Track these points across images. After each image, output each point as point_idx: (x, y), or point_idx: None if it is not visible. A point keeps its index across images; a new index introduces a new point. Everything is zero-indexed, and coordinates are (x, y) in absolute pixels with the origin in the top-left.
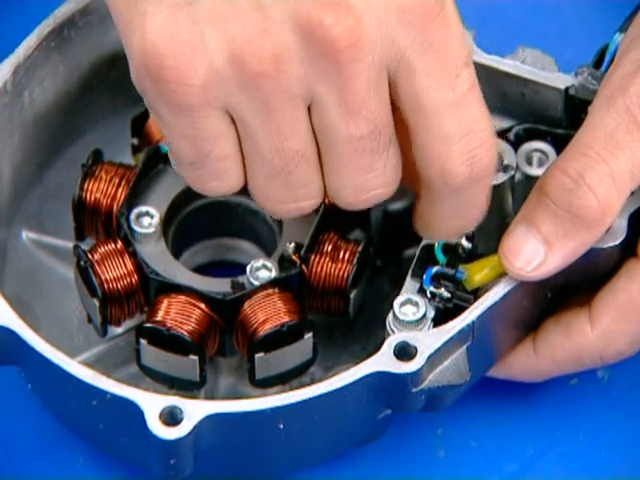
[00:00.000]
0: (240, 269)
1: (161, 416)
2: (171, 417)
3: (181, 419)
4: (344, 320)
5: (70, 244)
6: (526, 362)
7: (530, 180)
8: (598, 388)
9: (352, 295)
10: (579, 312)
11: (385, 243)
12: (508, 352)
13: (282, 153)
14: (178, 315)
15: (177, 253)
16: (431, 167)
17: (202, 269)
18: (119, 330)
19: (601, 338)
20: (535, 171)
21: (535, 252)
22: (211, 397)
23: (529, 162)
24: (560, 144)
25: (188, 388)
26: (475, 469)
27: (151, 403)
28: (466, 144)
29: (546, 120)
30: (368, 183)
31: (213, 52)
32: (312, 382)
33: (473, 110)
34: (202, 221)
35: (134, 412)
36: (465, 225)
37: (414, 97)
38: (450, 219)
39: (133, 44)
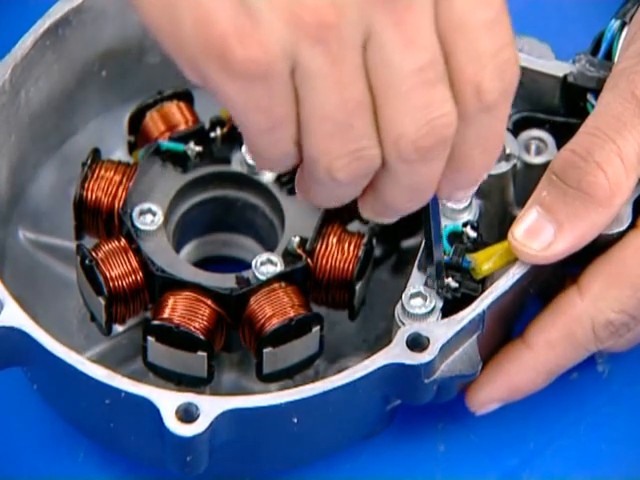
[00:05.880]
0: (238, 264)
1: (177, 413)
2: (187, 414)
3: (197, 416)
4: (348, 312)
5: (67, 243)
6: (522, 361)
7: (529, 168)
8: (598, 382)
9: (358, 287)
10: (567, 289)
11: (383, 233)
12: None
13: (345, 105)
14: (186, 312)
15: (177, 250)
16: (465, 87)
17: (200, 265)
18: (120, 328)
19: (591, 305)
20: (534, 159)
21: (546, 233)
22: (215, 393)
23: (527, 150)
24: (558, 132)
25: (195, 384)
26: (476, 463)
27: (167, 400)
28: (498, 60)
29: (544, 108)
30: (430, 116)
31: (270, 20)
32: (316, 375)
33: (505, 25)
34: (201, 217)
35: (149, 410)
36: (494, 152)
37: (454, 19)
38: (481, 145)
39: (184, 33)
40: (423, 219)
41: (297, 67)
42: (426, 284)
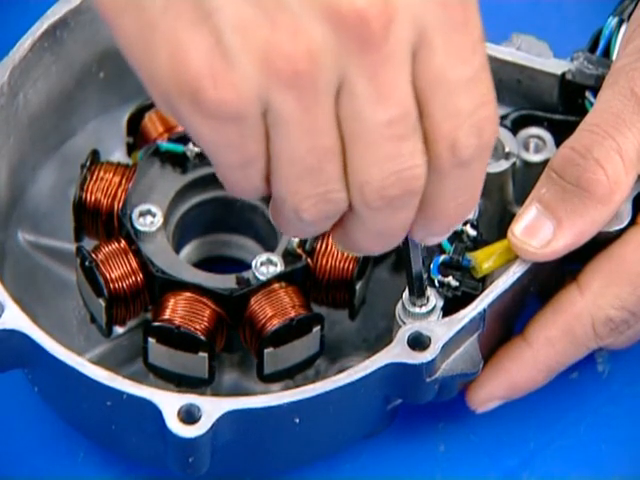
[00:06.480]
0: (238, 264)
1: (179, 414)
2: (189, 415)
3: (199, 417)
4: (349, 312)
5: (67, 245)
6: (522, 358)
7: (528, 166)
8: (598, 382)
9: (358, 286)
10: (567, 287)
11: None
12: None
13: (315, 151)
14: (186, 313)
15: (176, 250)
16: (440, 143)
17: (200, 265)
18: (120, 329)
19: (591, 302)
20: (532, 157)
21: (546, 230)
22: (216, 393)
23: (526, 148)
24: (557, 130)
25: (196, 385)
26: (476, 463)
27: (169, 402)
28: (475, 118)
29: (542, 106)
30: (397, 167)
31: (244, 64)
32: (317, 375)
33: (485, 83)
34: (201, 218)
35: (151, 411)
36: (469, 204)
37: (431, 75)
38: (456, 197)
39: (158, 68)
40: (404, 255)
41: (269, 110)
42: (414, 304)
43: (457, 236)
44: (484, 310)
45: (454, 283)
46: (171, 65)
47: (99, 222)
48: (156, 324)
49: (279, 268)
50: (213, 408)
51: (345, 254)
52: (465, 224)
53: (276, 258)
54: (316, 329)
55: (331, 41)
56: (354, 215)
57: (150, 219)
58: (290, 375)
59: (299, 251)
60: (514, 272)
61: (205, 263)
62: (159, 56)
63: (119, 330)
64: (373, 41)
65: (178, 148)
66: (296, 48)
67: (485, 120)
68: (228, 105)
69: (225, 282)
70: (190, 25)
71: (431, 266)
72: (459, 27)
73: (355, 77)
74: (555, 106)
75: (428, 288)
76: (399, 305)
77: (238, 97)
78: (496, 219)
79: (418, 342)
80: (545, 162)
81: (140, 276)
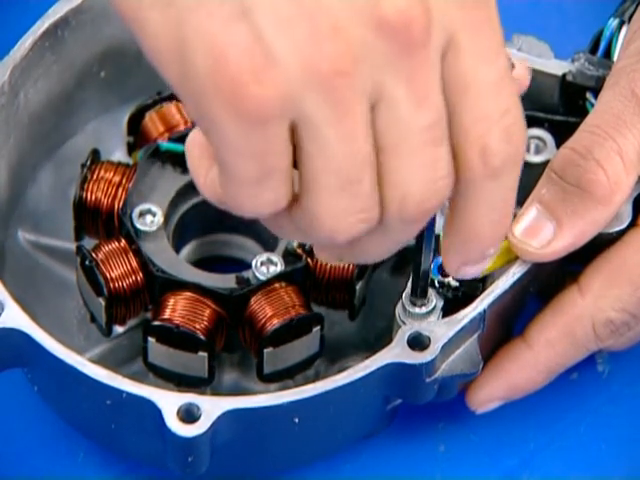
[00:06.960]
0: (238, 264)
1: (179, 413)
2: (189, 414)
3: (199, 416)
4: (348, 312)
5: (67, 244)
6: (523, 360)
7: (528, 167)
8: (598, 382)
9: (358, 287)
10: (567, 288)
11: None
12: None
13: (354, 159)
14: (186, 312)
15: (177, 250)
16: (470, 149)
17: (200, 265)
18: (120, 329)
19: (592, 303)
20: (533, 158)
21: (546, 230)
22: (216, 393)
23: (527, 149)
24: (557, 131)
25: (196, 385)
26: (476, 463)
27: (168, 401)
28: (505, 122)
29: (543, 107)
30: (436, 175)
31: (286, 61)
32: (317, 375)
33: (510, 88)
34: (201, 217)
35: (150, 411)
36: (503, 223)
37: (460, 77)
38: (489, 214)
39: (192, 65)
40: (415, 254)
41: (302, 116)
42: (414, 304)
43: None
44: (484, 310)
45: (454, 283)
46: (208, 62)
47: (99, 221)
48: (156, 323)
49: (279, 268)
50: (212, 407)
51: None
52: None
53: (276, 258)
54: (316, 329)
55: (371, 43)
56: (379, 229)
57: (150, 218)
58: (290, 375)
59: (299, 251)
60: (514, 273)
61: (205, 263)
62: (193, 53)
63: (119, 329)
64: (415, 45)
65: (178, 148)
66: (337, 48)
67: (514, 125)
68: (269, 102)
69: (225, 282)
70: (227, 21)
71: (431, 266)
72: (484, 28)
73: (394, 81)
74: (556, 107)
75: (428, 288)
76: (399, 305)
77: (278, 94)
78: None
79: (418, 342)
80: (546, 163)
81: (140, 275)
